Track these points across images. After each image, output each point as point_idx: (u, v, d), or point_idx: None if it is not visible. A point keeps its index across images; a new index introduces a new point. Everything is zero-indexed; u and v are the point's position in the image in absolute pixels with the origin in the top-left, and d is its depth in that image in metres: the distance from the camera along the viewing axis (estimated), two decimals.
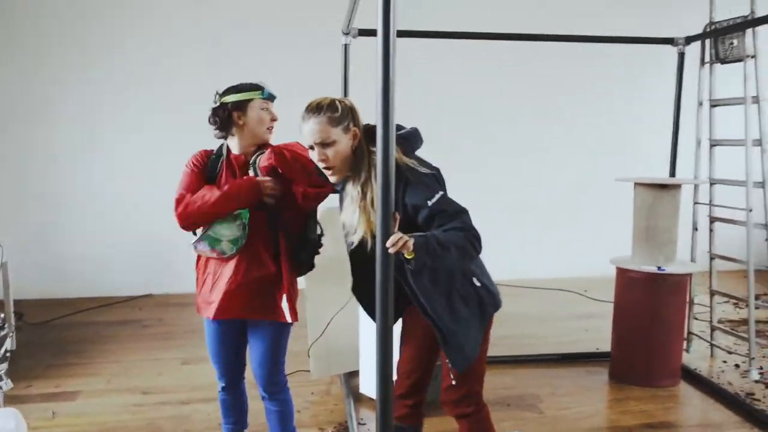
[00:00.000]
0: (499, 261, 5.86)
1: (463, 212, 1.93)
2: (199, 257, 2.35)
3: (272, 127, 2.29)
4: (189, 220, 2.19)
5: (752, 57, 3.50)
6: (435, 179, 1.98)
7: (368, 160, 1.98)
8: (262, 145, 2.28)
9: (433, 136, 6.20)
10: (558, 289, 5.82)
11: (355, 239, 2.00)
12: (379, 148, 1.56)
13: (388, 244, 1.62)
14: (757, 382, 3.70)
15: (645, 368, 3.65)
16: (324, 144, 1.96)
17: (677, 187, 3.63)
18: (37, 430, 3.05)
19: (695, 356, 4.15)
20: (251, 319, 2.33)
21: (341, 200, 2.09)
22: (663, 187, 3.60)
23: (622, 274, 3.72)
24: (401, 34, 3.48)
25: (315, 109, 1.97)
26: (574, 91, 6.01)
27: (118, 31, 5.45)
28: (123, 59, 5.46)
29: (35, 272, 5.34)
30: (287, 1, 5.55)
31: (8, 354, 2.72)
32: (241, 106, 2.20)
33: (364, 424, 3.17)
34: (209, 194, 2.16)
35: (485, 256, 2.09)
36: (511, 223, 5.92)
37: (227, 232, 2.19)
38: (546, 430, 3.12)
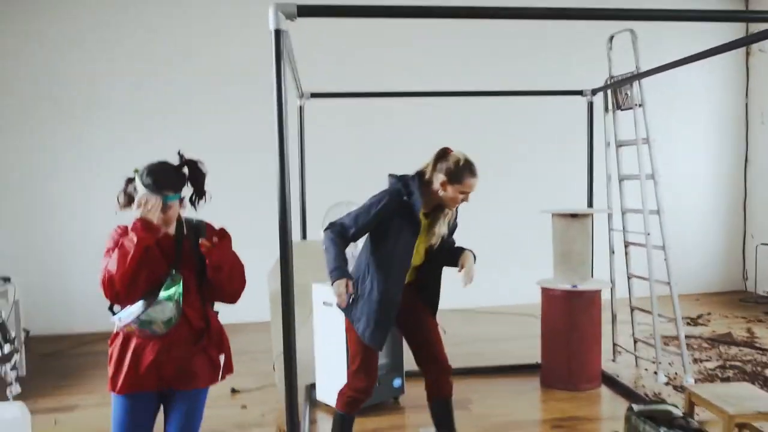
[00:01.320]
0: (457, 289, 6.50)
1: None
2: (116, 334, 2.24)
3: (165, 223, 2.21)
4: (121, 292, 2.09)
5: (640, 106, 4.15)
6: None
7: None
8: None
9: (370, 186, 6.79)
10: (515, 314, 6.38)
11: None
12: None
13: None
14: (666, 384, 4.22)
15: (567, 373, 4.20)
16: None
17: (586, 216, 4.24)
18: None
19: (622, 365, 4.68)
20: (180, 389, 2.26)
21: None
22: (574, 216, 4.22)
23: (545, 292, 4.30)
24: (326, 95, 4.17)
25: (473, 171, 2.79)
26: (508, 138, 6.76)
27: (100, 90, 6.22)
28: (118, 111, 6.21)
29: (44, 308, 5.98)
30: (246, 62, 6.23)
31: (16, 364, 3.33)
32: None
33: (315, 422, 3.74)
34: (115, 255, 2.09)
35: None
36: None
37: (160, 315, 2.12)
38: (469, 423, 3.67)
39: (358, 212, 2.77)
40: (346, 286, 2.65)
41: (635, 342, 4.71)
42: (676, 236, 7.13)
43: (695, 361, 4.77)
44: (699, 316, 6.19)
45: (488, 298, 6.62)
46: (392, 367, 3.99)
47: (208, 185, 2.28)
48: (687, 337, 5.42)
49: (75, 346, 5.65)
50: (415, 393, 4.14)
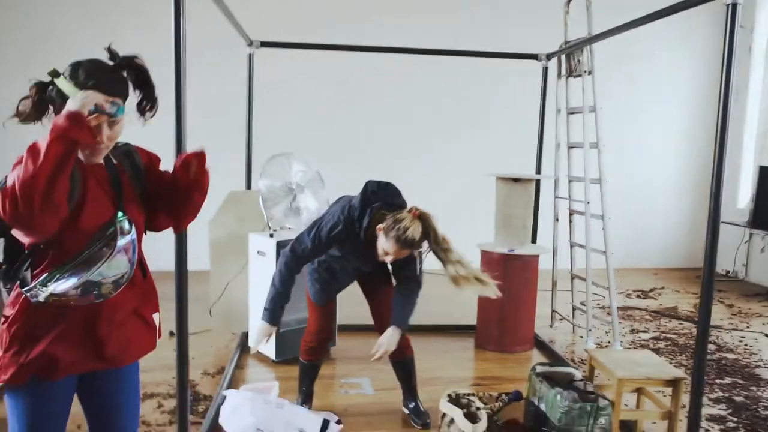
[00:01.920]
0: None
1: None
2: (23, 304, 1.59)
3: (102, 146, 1.61)
4: (27, 212, 1.37)
5: (589, 73, 4.11)
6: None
7: None
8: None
9: (324, 142, 6.87)
10: None
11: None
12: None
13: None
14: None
15: (498, 335, 4.27)
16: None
17: (529, 181, 4.25)
18: None
19: (559, 331, 4.76)
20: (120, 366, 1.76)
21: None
22: (516, 180, 4.22)
23: (484, 255, 4.34)
24: (276, 45, 4.16)
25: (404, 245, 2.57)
26: (459, 102, 6.69)
27: None
28: None
29: None
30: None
31: None
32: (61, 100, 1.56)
33: (242, 368, 3.82)
34: (24, 162, 1.39)
35: None
36: None
37: (113, 271, 1.59)
38: (387, 376, 3.70)
39: (314, 235, 2.74)
40: (267, 335, 2.73)
41: (573, 309, 4.77)
42: (641, 210, 7.21)
43: (634, 331, 4.85)
44: (651, 290, 6.26)
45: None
46: None
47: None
48: (633, 308, 5.51)
49: None
50: (347, 346, 4.24)
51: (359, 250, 2.74)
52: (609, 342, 4.47)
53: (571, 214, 4.62)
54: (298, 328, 3.90)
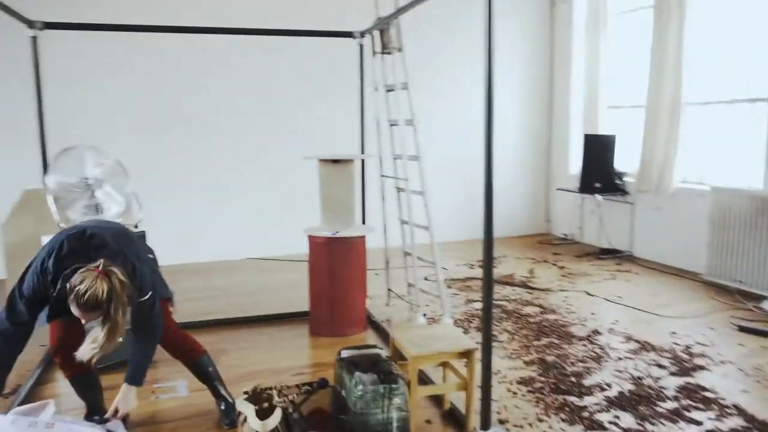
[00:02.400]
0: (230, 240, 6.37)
1: (154, 314, 2.56)
2: None
3: None
4: None
5: (399, 50, 4.10)
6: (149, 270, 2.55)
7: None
8: None
9: (134, 132, 6.51)
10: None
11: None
12: None
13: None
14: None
15: (330, 319, 4.21)
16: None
17: (348, 161, 4.19)
18: None
19: (396, 309, 4.78)
20: None
21: None
22: (336, 162, 4.15)
23: (311, 240, 4.24)
24: (62, 26, 3.78)
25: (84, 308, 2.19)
26: (279, 83, 6.61)
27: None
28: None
29: None
30: None
31: None
32: None
33: (45, 383, 3.48)
34: None
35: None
36: (235, 208, 6.58)
37: None
38: None
39: (17, 292, 2.44)
40: None
41: (409, 286, 4.81)
42: (480, 182, 7.44)
43: (469, 301, 4.99)
44: (494, 258, 6.50)
45: (265, 247, 6.60)
46: None
47: None
48: (473, 279, 5.68)
49: None
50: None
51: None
52: (441, 316, 4.55)
53: (399, 192, 4.62)
54: None
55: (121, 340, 2.31)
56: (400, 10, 3.82)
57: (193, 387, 3.41)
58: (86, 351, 2.27)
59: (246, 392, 2.68)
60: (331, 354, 3.90)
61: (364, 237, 4.26)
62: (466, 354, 2.75)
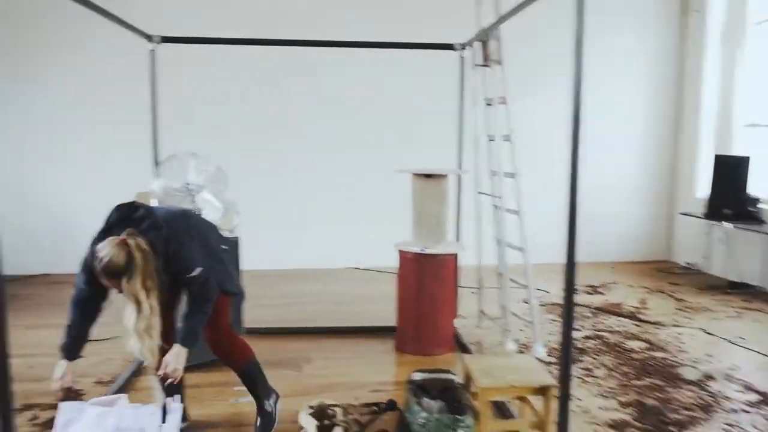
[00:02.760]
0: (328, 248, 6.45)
1: (210, 288, 2.55)
2: None
3: None
4: None
5: (498, 63, 3.93)
6: (199, 245, 2.58)
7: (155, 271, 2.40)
8: None
9: (236, 141, 6.76)
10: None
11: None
12: None
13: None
14: (519, 352, 4.13)
15: (416, 337, 4.11)
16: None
17: (441, 176, 4.08)
18: None
19: (490, 331, 4.59)
20: None
21: None
22: (428, 176, 4.06)
23: (401, 255, 4.18)
24: (178, 40, 4.01)
25: (107, 274, 2.30)
26: (379, 93, 6.61)
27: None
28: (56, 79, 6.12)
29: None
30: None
31: None
32: None
33: (140, 375, 3.69)
34: None
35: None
36: (344, 215, 6.61)
37: None
38: (288, 382, 3.61)
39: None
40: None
41: (503, 309, 4.60)
42: (597, 202, 7.02)
43: None
44: (602, 285, 6.08)
45: (368, 258, 6.58)
46: (232, 324, 3.91)
47: None
48: (575, 305, 5.32)
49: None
50: (254, 349, 4.09)
51: None
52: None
53: (496, 209, 4.44)
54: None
55: (153, 320, 2.32)
56: (502, 19, 3.67)
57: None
58: (138, 348, 2.34)
59: (311, 407, 2.66)
60: (407, 371, 3.79)
61: (455, 255, 4.13)
62: (542, 390, 2.55)
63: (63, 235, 6.24)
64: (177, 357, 2.49)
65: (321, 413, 2.64)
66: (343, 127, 6.61)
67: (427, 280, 4.05)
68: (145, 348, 2.34)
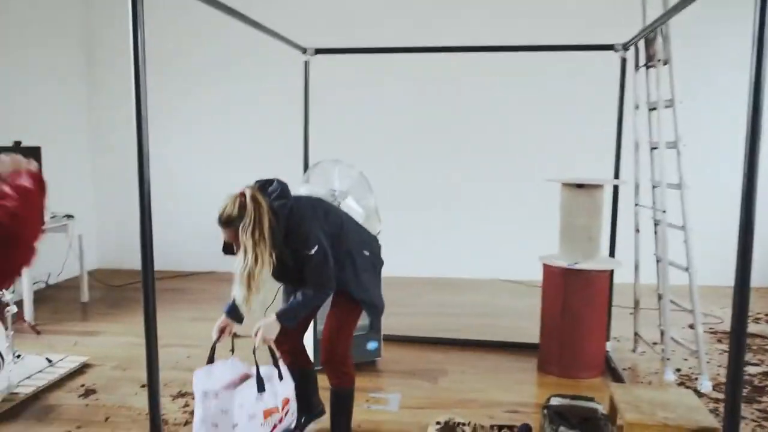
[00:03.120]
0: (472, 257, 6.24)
1: (324, 271, 2.53)
2: None
3: None
4: None
5: (665, 62, 3.54)
6: (319, 227, 2.57)
7: (269, 232, 2.47)
8: None
9: (384, 141, 6.79)
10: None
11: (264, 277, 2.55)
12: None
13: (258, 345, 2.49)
14: (679, 384, 3.69)
15: (560, 358, 3.84)
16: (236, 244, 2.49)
17: (594, 187, 3.77)
18: (65, 351, 4.13)
19: (646, 357, 4.17)
20: None
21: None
22: (579, 186, 3.78)
23: (546, 268, 3.93)
24: (331, 51, 4.12)
25: (223, 222, 2.47)
26: (526, 101, 6.28)
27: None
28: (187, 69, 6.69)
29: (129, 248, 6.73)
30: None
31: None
32: None
33: None
34: None
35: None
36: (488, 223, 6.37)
37: None
38: (422, 393, 3.54)
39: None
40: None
41: (662, 333, 4.15)
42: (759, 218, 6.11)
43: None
44: None
45: (516, 270, 6.25)
46: (369, 330, 3.94)
47: None
48: (754, 335, 4.67)
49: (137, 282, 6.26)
50: (391, 357, 4.08)
51: None
52: (697, 377, 3.81)
53: (656, 224, 4.03)
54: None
55: (257, 271, 2.38)
56: (669, 13, 3.31)
57: (405, 403, 3.41)
58: (239, 294, 2.43)
59: (438, 423, 2.56)
60: (544, 394, 3.54)
61: (608, 272, 3.79)
62: None
63: None
64: (268, 326, 2.52)
65: (449, 431, 2.53)
66: (491, 133, 6.43)
67: (574, 297, 3.77)
68: (244, 297, 2.43)
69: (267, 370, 2.61)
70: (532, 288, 6.07)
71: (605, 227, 4.00)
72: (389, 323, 4.39)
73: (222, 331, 2.64)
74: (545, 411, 2.54)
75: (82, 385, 3.67)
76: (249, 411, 2.49)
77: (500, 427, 2.60)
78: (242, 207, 2.41)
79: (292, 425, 2.67)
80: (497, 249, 6.46)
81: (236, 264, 2.44)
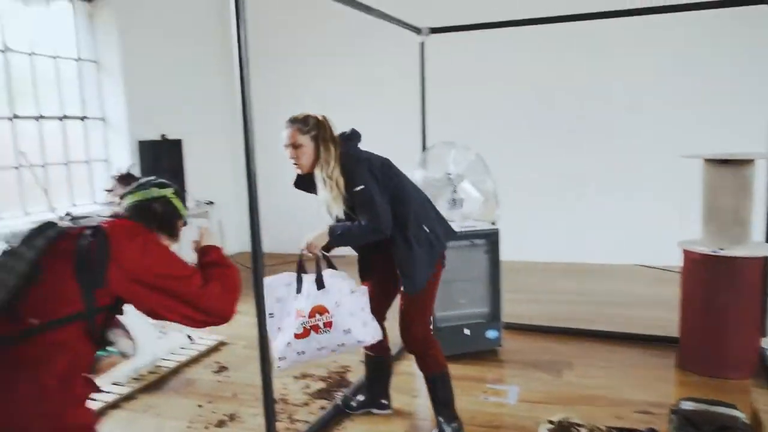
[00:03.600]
0: (609, 243, 5.82)
1: (372, 208, 2.54)
2: None
3: None
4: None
5: None
6: (368, 169, 2.59)
7: (335, 156, 2.62)
8: None
9: (512, 123, 6.48)
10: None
11: (340, 213, 2.66)
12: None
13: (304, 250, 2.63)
14: None
15: (703, 355, 3.46)
16: (294, 146, 2.63)
17: (743, 162, 3.32)
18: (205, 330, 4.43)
19: None
20: None
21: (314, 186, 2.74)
22: (724, 162, 3.34)
23: (687, 256, 3.55)
24: (447, 30, 3.99)
25: (288, 121, 2.64)
26: (662, 69, 5.67)
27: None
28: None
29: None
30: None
31: None
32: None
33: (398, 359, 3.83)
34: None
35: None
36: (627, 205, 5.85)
37: None
38: (544, 387, 3.35)
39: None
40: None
41: None
42: None
43: None
44: None
45: (660, 255, 5.66)
46: (490, 318, 3.82)
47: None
48: None
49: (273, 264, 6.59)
50: (514, 347, 3.92)
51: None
52: None
53: None
54: (456, 324, 3.75)
55: (335, 174, 2.56)
56: None
57: (524, 397, 3.26)
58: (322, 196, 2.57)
59: (551, 422, 2.40)
60: (680, 393, 3.19)
61: (760, 259, 3.33)
62: None
63: None
64: (318, 236, 2.60)
65: (563, 431, 2.36)
66: (622, 107, 5.94)
67: (720, 287, 3.36)
68: (330, 197, 2.58)
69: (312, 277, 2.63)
70: (675, 275, 5.55)
71: (759, 209, 3.52)
72: (512, 310, 4.23)
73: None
74: (672, 415, 2.28)
75: (217, 362, 3.93)
76: (287, 308, 2.58)
77: (620, 431, 2.38)
78: (319, 121, 2.62)
79: (340, 348, 2.62)
80: (635, 232, 5.98)
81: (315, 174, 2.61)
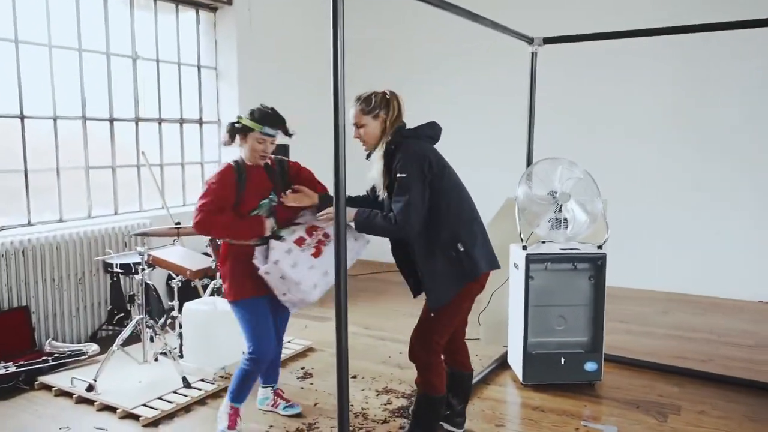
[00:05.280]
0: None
1: (403, 200, 2.50)
2: (229, 246, 2.88)
3: (264, 156, 2.85)
4: (203, 231, 2.77)
5: None
6: (417, 161, 2.54)
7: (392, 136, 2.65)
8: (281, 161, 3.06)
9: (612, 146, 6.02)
10: None
11: (382, 194, 2.69)
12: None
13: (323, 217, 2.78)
14: None
15: None
16: (357, 125, 2.69)
17: None
18: (294, 333, 4.48)
19: None
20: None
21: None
22: None
23: None
24: (562, 40, 3.79)
25: (354, 100, 2.68)
26: None
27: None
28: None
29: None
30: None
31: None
32: (244, 131, 2.79)
33: (487, 384, 3.65)
34: (229, 224, 2.77)
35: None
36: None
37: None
38: (645, 431, 3.04)
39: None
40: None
41: None
42: None
43: None
44: None
45: None
46: (589, 348, 3.54)
47: None
48: None
49: (371, 273, 6.56)
50: (614, 381, 3.60)
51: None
52: None
53: None
54: (552, 352, 3.51)
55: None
56: None
57: None
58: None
59: None
60: None
61: None
62: None
63: None
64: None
65: None
66: (754, 127, 5.37)
67: None
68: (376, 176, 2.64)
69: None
70: None
71: None
72: (615, 341, 3.92)
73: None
74: None
75: (302, 368, 3.94)
76: (284, 247, 2.77)
77: None
78: (385, 97, 2.66)
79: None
80: (762, 265, 5.37)
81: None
